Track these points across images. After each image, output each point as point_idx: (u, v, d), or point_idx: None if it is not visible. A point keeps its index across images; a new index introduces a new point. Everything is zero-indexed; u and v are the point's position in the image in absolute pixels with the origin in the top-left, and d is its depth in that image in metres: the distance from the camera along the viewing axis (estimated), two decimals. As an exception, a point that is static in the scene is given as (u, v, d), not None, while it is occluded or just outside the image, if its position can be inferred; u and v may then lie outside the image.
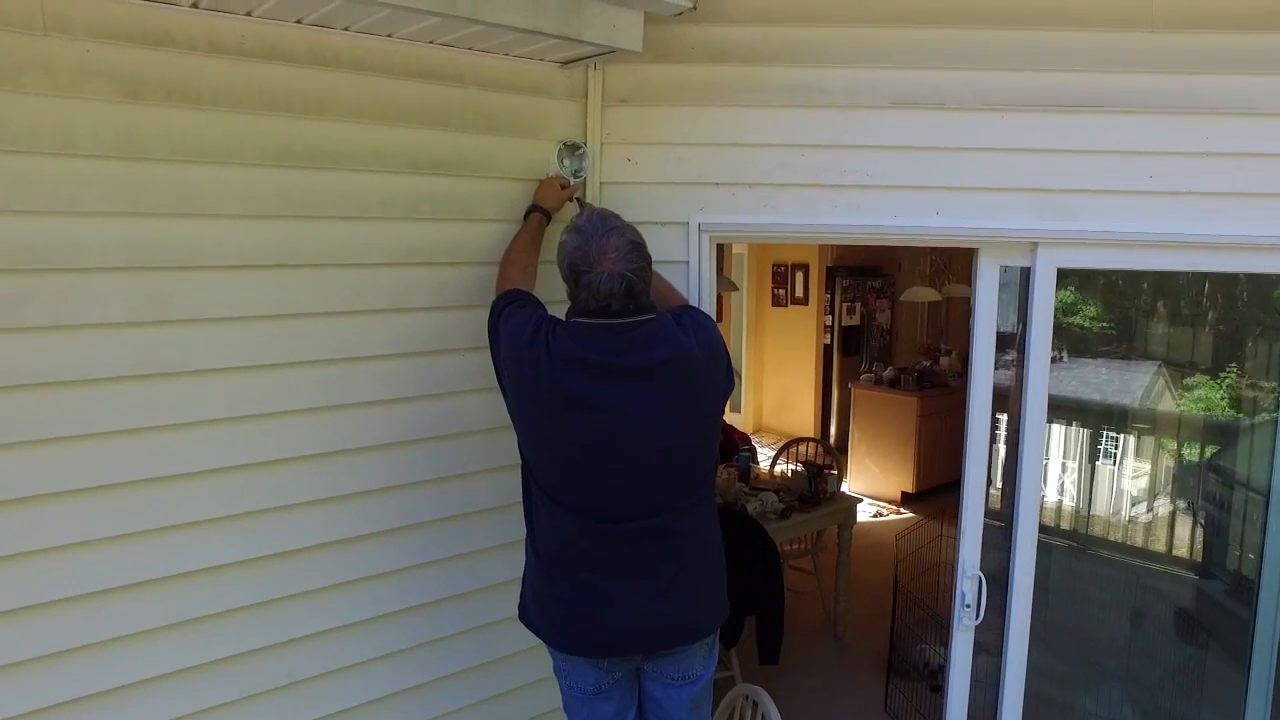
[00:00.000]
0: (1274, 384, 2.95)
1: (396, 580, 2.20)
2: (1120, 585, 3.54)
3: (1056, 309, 2.47)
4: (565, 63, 2.24)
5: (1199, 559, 3.45)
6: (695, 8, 2.17)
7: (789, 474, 5.13)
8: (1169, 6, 2.26)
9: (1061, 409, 3.24)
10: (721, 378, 1.93)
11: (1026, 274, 2.45)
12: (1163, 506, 3.56)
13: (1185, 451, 3.61)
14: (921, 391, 7.01)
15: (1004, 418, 2.64)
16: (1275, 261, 2.46)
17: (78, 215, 1.68)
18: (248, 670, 2.00)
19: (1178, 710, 3.35)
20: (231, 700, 1.99)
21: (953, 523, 2.69)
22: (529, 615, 2.04)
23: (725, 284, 5.86)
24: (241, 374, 1.91)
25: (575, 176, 2.31)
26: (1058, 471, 3.52)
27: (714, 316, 2.26)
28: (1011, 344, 2.53)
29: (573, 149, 2.31)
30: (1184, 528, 3.51)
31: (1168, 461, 3.65)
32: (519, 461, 1.99)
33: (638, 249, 1.82)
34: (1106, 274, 2.96)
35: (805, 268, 8.39)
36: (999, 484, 2.73)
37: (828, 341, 8.36)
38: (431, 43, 2.04)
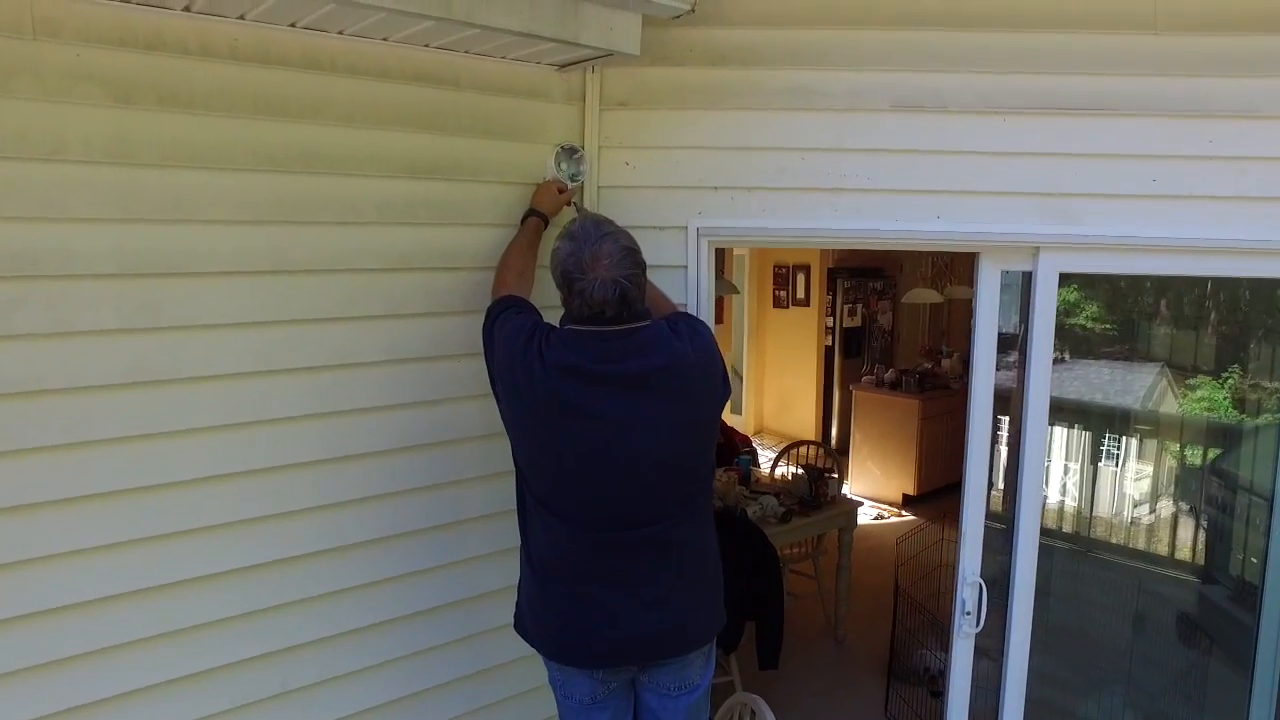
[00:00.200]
0: (1277, 386, 2.93)
1: (391, 588, 2.19)
2: (1122, 589, 3.52)
3: (1058, 309, 2.45)
4: (563, 66, 2.22)
5: (1202, 563, 3.43)
6: (694, 10, 2.15)
7: (790, 477, 5.11)
8: (1171, 9, 2.24)
9: (1063, 410, 3.23)
10: (717, 385, 1.91)
11: (1028, 277, 2.44)
12: (1165, 509, 3.54)
13: (1188, 454, 3.59)
14: (923, 393, 6.99)
15: (1006, 420, 2.63)
16: (1279, 266, 2.44)
17: (68, 221, 1.66)
18: (241, 679, 1.99)
19: (1180, 716, 3.33)
20: (225, 710, 1.98)
21: (954, 526, 2.68)
22: (524, 625, 2.02)
23: (726, 287, 5.85)
24: (234, 381, 1.89)
25: (573, 180, 2.30)
26: (1059, 474, 3.50)
27: (713, 321, 2.24)
28: (1013, 345, 2.52)
29: (570, 153, 2.30)
30: (1187, 531, 3.49)
31: (1170, 464, 3.63)
32: (514, 468, 1.97)
33: (631, 255, 1.80)
34: (1109, 275, 2.94)
35: (806, 269, 8.36)
36: (1000, 486, 2.71)
37: (829, 343, 8.34)
38: (427, 46, 2.02)
